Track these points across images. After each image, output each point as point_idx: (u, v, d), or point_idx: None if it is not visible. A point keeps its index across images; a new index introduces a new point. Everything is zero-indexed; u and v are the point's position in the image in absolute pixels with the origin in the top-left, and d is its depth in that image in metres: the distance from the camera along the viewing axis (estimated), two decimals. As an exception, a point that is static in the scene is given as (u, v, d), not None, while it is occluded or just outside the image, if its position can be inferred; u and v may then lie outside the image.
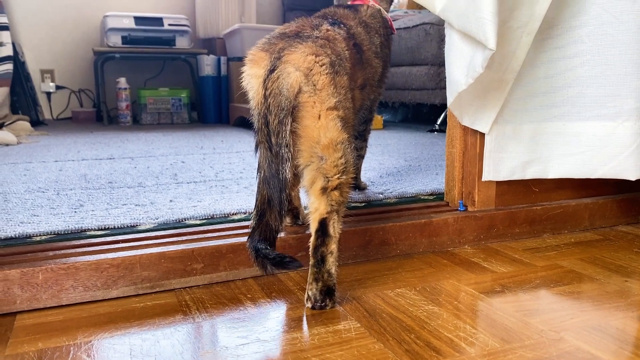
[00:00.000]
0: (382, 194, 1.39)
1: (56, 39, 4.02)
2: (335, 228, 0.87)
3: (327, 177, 0.88)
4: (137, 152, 2.29)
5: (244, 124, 3.47)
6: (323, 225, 0.87)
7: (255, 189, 0.90)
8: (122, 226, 1.11)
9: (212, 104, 3.93)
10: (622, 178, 1.15)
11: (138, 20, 3.76)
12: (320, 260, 0.86)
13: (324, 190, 0.88)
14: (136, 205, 1.29)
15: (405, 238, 1.14)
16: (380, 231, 1.12)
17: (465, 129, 1.23)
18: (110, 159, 2.08)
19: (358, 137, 1.40)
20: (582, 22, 1.12)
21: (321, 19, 1.08)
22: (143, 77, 4.21)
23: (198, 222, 1.15)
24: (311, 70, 0.88)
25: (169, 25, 3.83)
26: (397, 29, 3.15)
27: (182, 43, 3.87)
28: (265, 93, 0.86)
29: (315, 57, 0.89)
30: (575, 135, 1.17)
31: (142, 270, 0.93)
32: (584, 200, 1.33)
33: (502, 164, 1.20)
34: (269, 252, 0.85)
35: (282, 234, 1.04)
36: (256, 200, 0.89)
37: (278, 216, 0.86)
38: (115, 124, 3.78)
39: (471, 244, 1.21)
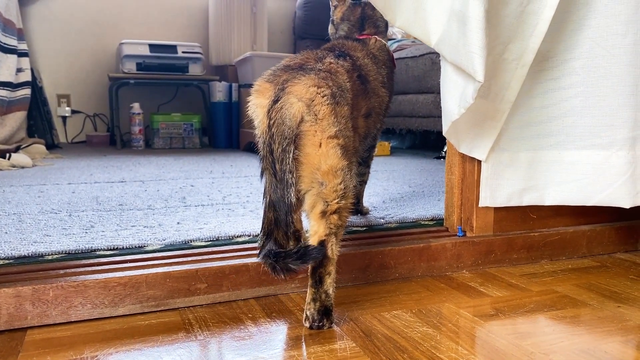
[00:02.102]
0: (383, 218, 1.42)
1: (73, 65, 4.15)
2: (333, 250, 0.91)
3: (326, 202, 0.91)
4: (148, 175, 2.35)
5: (254, 149, 3.53)
6: (322, 246, 0.90)
7: (261, 212, 0.94)
8: (131, 247, 1.15)
9: (223, 129, 4.01)
10: (616, 206, 1.18)
11: (153, 47, 3.87)
12: (319, 281, 0.90)
13: (324, 213, 0.91)
14: (145, 227, 1.33)
15: (404, 262, 1.17)
16: (379, 255, 1.15)
17: (464, 156, 1.26)
18: (122, 182, 2.14)
19: (362, 164, 1.45)
20: (576, 55, 1.17)
21: (328, 51, 1.13)
22: (156, 103, 4.32)
23: (203, 243, 1.19)
24: (313, 100, 0.92)
25: (183, 52, 3.93)
26: (404, 57, 3.23)
27: (195, 70, 3.98)
28: (269, 123, 0.91)
29: (317, 88, 0.94)
30: (570, 164, 1.20)
31: (147, 289, 0.97)
32: (581, 228, 1.36)
33: (499, 190, 1.23)
34: (287, 251, 0.87)
35: (283, 256, 1.08)
36: (263, 223, 0.92)
37: (285, 236, 0.90)
38: (128, 148, 3.86)
39: (469, 268, 1.24)
